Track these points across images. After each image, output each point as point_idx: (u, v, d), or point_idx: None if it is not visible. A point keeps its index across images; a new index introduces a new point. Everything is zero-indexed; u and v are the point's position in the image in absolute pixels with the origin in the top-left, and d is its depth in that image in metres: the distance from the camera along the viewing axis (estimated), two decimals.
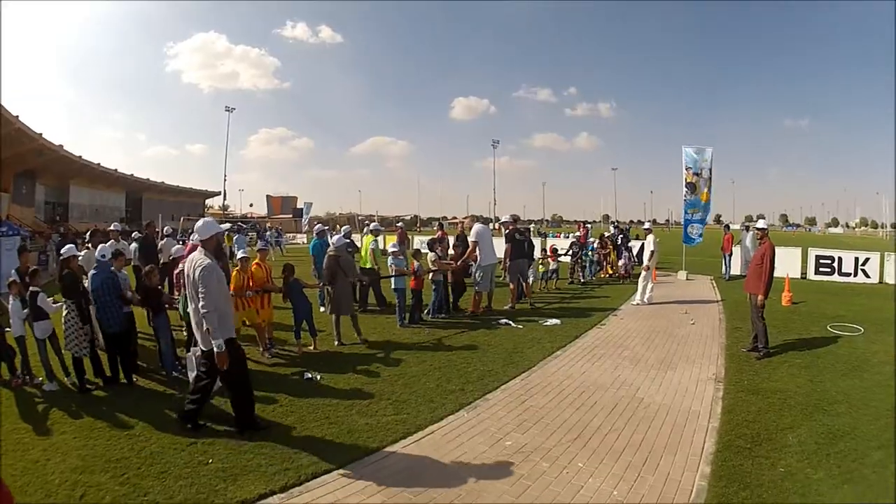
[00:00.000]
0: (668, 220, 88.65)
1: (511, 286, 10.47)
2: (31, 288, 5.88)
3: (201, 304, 4.20)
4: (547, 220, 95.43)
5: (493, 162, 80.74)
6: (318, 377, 6.00)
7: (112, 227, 10.08)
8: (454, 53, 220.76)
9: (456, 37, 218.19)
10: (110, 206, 48.85)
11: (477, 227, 10.04)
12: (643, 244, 17.17)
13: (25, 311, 5.88)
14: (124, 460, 3.93)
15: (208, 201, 69.39)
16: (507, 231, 10.61)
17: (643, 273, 10.99)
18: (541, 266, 13.13)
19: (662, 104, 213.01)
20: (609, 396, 5.32)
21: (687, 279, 15.30)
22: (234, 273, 6.76)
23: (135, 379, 5.92)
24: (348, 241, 11.29)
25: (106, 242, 8.68)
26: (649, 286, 10.93)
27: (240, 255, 7.21)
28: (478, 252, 9.64)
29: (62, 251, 6.16)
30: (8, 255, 8.56)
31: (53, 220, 36.04)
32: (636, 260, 16.10)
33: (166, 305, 6.47)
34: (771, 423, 4.63)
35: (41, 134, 31.31)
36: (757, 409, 5.00)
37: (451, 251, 11.08)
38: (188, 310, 5.04)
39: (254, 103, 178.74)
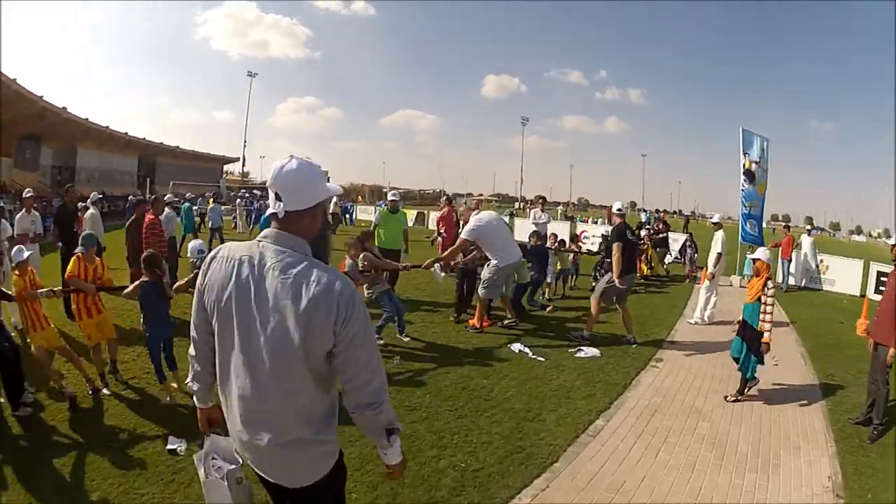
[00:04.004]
0: (693, 212, 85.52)
1: (595, 307, 6.90)
2: None
3: None
4: (573, 203, 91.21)
5: (522, 140, 79.70)
6: (183, 448, 3.76)
7: (25, 194, 8.01)
8: (487, 30, 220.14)
9: (489, 13, 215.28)
10: (121, 171, 47.49)
11: (479, 219, 6.96)
12: (685, 241, 14.87)
13: None
14: None
15: (227, 167, 67.88)
16: (616, 225, 7.16)
17: (706, 283, 8.34)
18: (558, 263, 9.96)
19: (692, 96, 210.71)
20: None
21: (741, 286, 12.48)
22: (13, 277, 4.86)
23: None
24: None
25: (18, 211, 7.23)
26: (713, 300, 8.30)
27: (14, 254, 4.93)
28: (488, 252, 6.91)
29: None
30: None
31: (59, 185, 34.65)
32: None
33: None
34: None
35: (42, 96, 30.13)
36: None
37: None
38: None
39: (283, 72, 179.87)
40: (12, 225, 7.33)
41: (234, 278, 1.75)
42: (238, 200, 25.38)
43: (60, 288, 5.14)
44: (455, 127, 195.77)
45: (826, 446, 4.38)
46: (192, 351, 2.04)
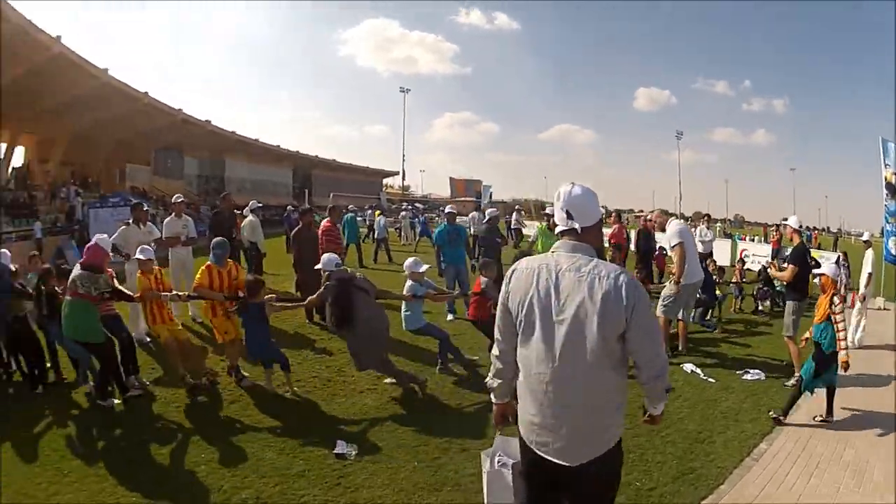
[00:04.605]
0: (840, 229, 77.03)
1: (792, 344, 6.27)
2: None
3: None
4: (730, 220, 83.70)
5: (678, 154, 75.97)
6: (353, 454, 3.99)
7: (175, 199, 8.40)
8: (631, 42, 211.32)
9: (631, 24, 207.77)
10: (274, 182, 48.30)
11: (681, 223, 7.02)
12: (839, 259, 14.29)
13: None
14: None
15: (386, 180, 70.99)
16: (797, 246, 6.61)
17: (857, 305, 8.20)
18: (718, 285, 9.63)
19: (834, 103, 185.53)
20: None
21: (884, 308, 12.06)
22: (138, 276, 5.36)
23: None
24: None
25: (168, 216, 7.84)
26: (863, 322, 8.09)
27: (138, 255, 5.36)
28: (679, 264, 6.67)
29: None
30: (115, 227, 7.30)
31: (206, 193, 36.78)
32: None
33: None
34: None
35: (181, 109, 31.57)
36: None
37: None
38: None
39: (435, 88, 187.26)
40: (159, 228, 7.72)
41: (535, 283, 2.02)
42: (402, 213, 26.06)
43: (186, 293, 5.38)
44: (611, 141, 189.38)
45: None
46: (495, 350, 2.26)
